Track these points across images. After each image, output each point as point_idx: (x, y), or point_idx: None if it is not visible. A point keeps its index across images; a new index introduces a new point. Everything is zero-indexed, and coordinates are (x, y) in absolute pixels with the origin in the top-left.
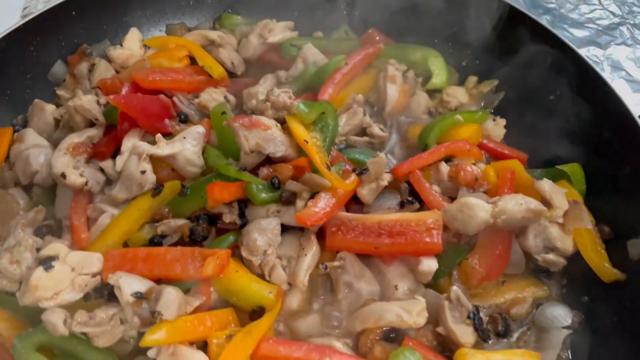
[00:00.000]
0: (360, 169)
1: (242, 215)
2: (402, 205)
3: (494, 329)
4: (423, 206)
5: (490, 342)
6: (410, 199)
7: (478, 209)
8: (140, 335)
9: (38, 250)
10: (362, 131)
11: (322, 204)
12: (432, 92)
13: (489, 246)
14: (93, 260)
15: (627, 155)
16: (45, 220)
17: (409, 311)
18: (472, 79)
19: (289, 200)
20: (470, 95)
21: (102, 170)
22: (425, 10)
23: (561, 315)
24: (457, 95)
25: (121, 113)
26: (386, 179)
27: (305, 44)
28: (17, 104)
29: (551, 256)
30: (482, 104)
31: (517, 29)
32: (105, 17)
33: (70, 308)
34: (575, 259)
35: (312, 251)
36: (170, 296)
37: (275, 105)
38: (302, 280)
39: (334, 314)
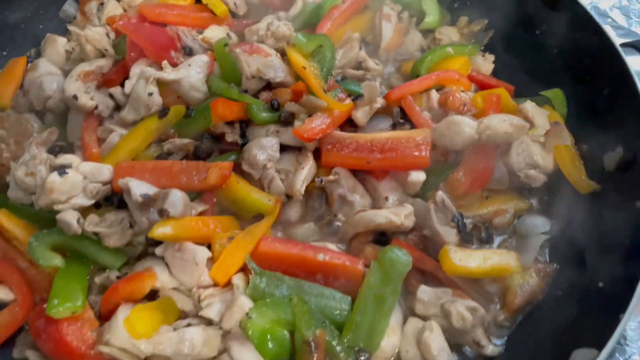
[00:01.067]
0: (355, 96)
1: (243, 135)
2: (394, 127)
3: (477, 235)
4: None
5: (473, 246)
6: (401, 120)
7: (464, 125)
8: (148, 239)
9: (52, 166)
10: (358, 66)
11: (319, 122)
12: (426, 32)
13: (473, 161)
14: (104, 170)
15: (607, 79)
16: (58, 142)
17: (398, 214)
18: (463, 19)
19: (287, 120)
20: (462, 34)
21: (111, 96)
22: None
23: (540, 224)
24: (449, 34)
25: (129, 42)
26: (379, 102)
27: None
28: (31, 38)
29: (533, 172)
30: (473, 42)
31: None
32: None
33: (83, 214)
34: (555, 176)
35: (309, 165)
36: (177, 196)
37: (275, 35)
38: (298, 189)
39: (327, 223)
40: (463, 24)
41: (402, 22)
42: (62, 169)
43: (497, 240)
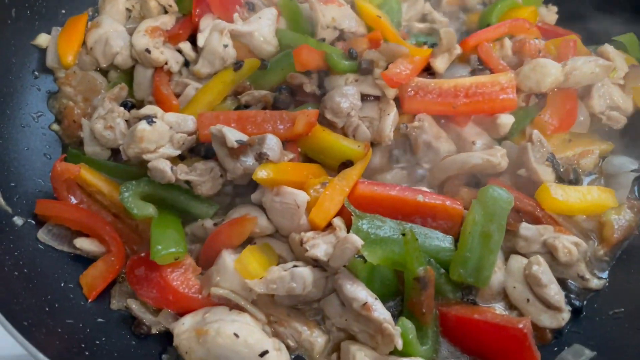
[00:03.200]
0: (430, 43)
1: (321, 85)
2: (473, 74)
3: (566, 177)
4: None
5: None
6: (481, 67)
7: (550, 66)
8: (236, 189)
9: (127, 121)
10: (423, 19)
11: (403, 67)
12: None
13: (558, 103)
14: (188, 121)
15: None
16: (127, 99)
17: (494, 154)
18: None
19: (367, 68)
20: None
21: (179, 51)
22: None
23: (628, 162)
24: None
25: None
26: (458, 48)
27: None
28: None
29: (614, 113)
30: None
31: None
32: None
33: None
34: (636, 117)
35: (394, 111)
36: (273, 140)
37: None
38: (388, 134)
39: (416, 169)
40: None
41: None
42: (149, 119)
43: (586, 180)
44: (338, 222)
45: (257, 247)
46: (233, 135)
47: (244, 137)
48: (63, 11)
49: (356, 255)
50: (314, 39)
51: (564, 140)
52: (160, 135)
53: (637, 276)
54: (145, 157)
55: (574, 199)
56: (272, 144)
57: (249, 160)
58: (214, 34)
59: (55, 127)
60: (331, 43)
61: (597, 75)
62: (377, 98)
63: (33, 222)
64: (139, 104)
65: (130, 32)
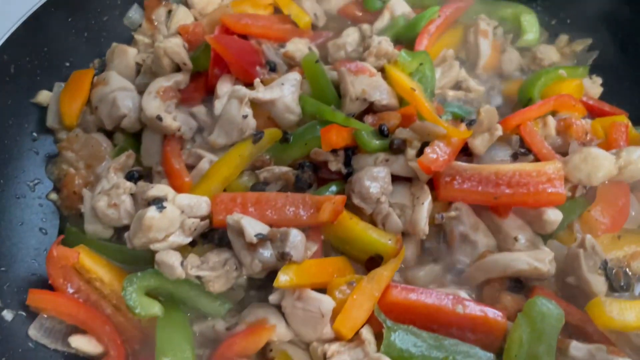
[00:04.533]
0: (468, 120)
1: (348, 163)
2: (515, 157)
3: (615, 282)
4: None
5: (616, 294)
6: (523, 150)
7: (603, 158)
8: (250, 282)
9: (134, 195)
10: (457, 86)
11: (440, 151)
12: (521, 50)
13: (610, 198)
14: (201, 204)
15: None
16: (133, 167)
17: (541, 259)
18: (564, 38)
19: (399, 148)
20: (562, 54)
21: (193, 116)
22: None
23: None
24: (549, 53)
25: (214, 57)
26: (499, 128)
27: None
28: (94, 47)
29: None
30: (575, 63)
31: None
32: None
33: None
34: None
35: (428, 199)
36: (298, 237)
37: (377, 52)
38: (422, 228)
39: (451, 265)
40: (563, 43)
41: (497, 38)
42: (159, 203)
43: (638, 287)
44: (367, 334)
45: None
46: (252, 228)
47: (265, 230)
48: (67, 64)
49: None
50: (340, 112)
51: (613, 237)
52: (170, 222)
53: None
54: (153, 247)
55: (631, 317)
56: (296, 241)
57: (267, 253)
58: (232, 101)
59: (54, 196)
60: (360, 115)
61: None
62: (408, 179)
63: (24, 314)
64: (147, 171)
65: (140, 90)
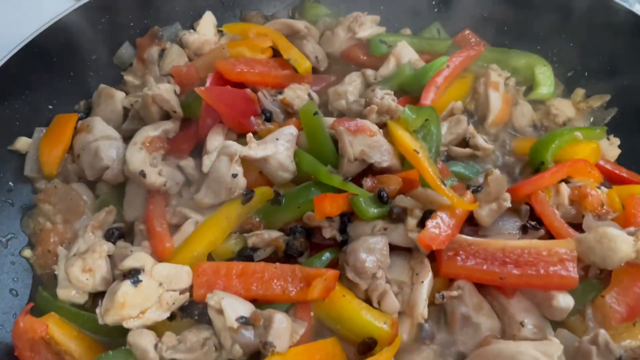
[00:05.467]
0: (474, 186)
1: (343, 230)
2: (524, 231)
3: None
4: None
5: None
6: (533, 223)
7: (620, 241)
8: None
9: (110, 256)
10: (464, 143)
11: (443, 226)
12: (534, 104)
13: (628, 283)
14: (182, 275)
15: None
16: (115, 222)
17: (549, 355)
18: (580, 92)
19: (399, 217)
20: (578, 109)
21: (180, 169)
22: (528, 9)
23: None
24: (564, 108)
25: (205, 106)
26: (508, 199)
27: (399, 41)
28: (80, 88)
29: None
30: (592, 120)
31: (634, 39)
32: None
33: (154, 329)
34: None
35: (428, 278)
36: (282, 325)
37: (380, 109)
38: (421, 312)
39: (450, 350)
40: (580, 97)
41: (509, 90)
42: (134, 276)
43: None
44: None
45: None
46: (234, 311)
47: (247, 311)
48: (50, 106)
49: None
50: (337, 174)
51: (628, 324)
52: (146, 296)
53: None
54: (126, 325)
55: None
56: (280, 329)
57: (249, 335)
58: (222, 158)
59: (28, 253)
60: (358, 176)
61: None
62: (407, 249)
63: None
64: (129, 227)
65: (127, 136)
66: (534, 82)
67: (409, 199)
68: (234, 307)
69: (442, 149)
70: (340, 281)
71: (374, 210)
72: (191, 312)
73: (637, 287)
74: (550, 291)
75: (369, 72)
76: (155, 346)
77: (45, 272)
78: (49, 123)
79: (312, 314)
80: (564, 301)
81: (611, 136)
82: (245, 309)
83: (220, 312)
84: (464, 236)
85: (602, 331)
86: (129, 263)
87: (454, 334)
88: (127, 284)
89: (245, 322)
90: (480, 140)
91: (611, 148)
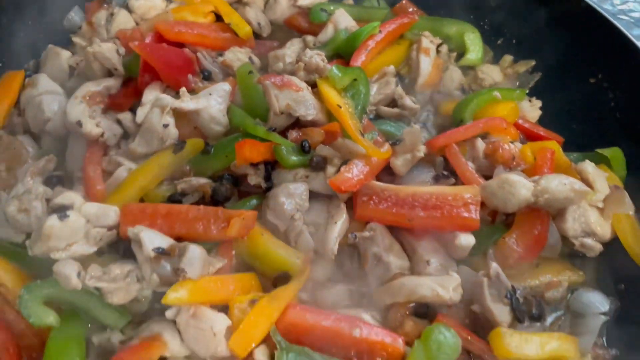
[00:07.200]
0: (393, 140)
1: (267, 178)
2: (436, 179)
3: (527, 311)
4: (458, 182)
5: (524, 324)
6: (445, 173)
7: (520, 186)
8: (156, 295)
9: (48, 200)
10: (393, 102)
11: (356, 171)
12: (465, 69)
13: (527, 226)
14: (109, 213)
15: None
16: (56, 171)
17: (445, 286)
18: (507, 58)
19: (319, 165)
20: (505, 74)
21: (119, 122)
22: None
23: (598, 302)
24: (492, 73)
25: (143, 63)
26: (422, 150)
27: (337, 9)
28: (29, 48)
29: (589, 241)
30: (517, 85)
31: (560, 9)
32: None
33: (82, 263)
34: (613, 245)
35: (342, 219)
36: (195, 253)
37: (307, 67)
38: (331, 248)
39: (360, 286)
40: (507, 63)
41: (441, 56)
42: (62, 211)
43: (550, 318)
44: (260, 354)
45: None
46: (151, 242)
47: (165, 243)
48: (0, 64)
49: None
50: (264, 124)
51: (531, 266)
52: (72, 231)
53: None
54: (53, 256)
55: (530, 351)
56: (193, 257)
57: (167, 267)
58: (154, 110)
59: None
60: (285, 129)
61: (571, 200)
62: (329, 197)
63: None
64: (70, 178)
65: (71, 92)
66: (464, 49)
67: (329, 149)
68: (151, 239)
69: (372, 108)
70: (263, 223)
71: (294, 159)
72: (118, 249)
73: (535, 230)
74: (454, 232)
75: (309, 38)
76: (78, 274)
77: None
78: None
79: (233, 252)
80: (465, 240)
81: (533, 98)
82: (164, 241)
83: (140, 244)
84: (378, 183)
85: (495, 264)
86: (58, 201)
87: (365, 272)
88: (53, 218)
89: (161, 252)
90: (408, 100)
91: (532, 109)
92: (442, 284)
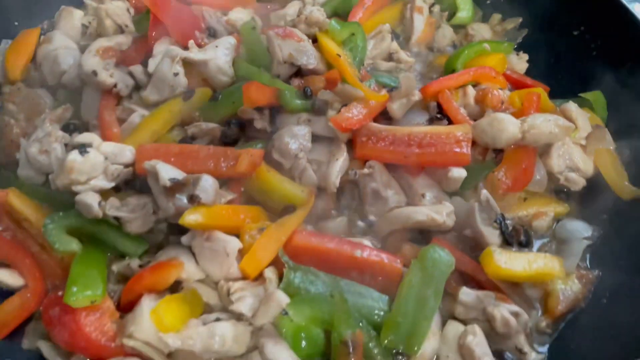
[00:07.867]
0: (391, 87)
1: (272, 122)
2: (430, 122)
3: (516, 238)
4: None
5: (512, 249)
6: (439, 115)
7: (508, 122)
8: (171, 227)
9: (66, 145)
10: (389, 57)
11: (356, 111)
12: (456, 28)
13: (515, 160)
14: (126, 152)
15: None
16: (71, 120)
17: (439, 212)
18: (496, 16)
19: (320, 109)
20: (494, 32)
21: (131, 74)
22: None
23: (582, 228)
24: (481, 30)
25: (153, 19)
26: (417, 94)
27: None
28: (44, 10)
29: (573, 175)
30: (505, 41)
31: None
32: None
33: (102, 198)
34: (595, 180)
35: (343, 157)
36: (208, 181)
37: (308, 20)
38: (333, 181)
39: (361, 218)
40: (496, 21)
41: (434, 15)
42: (82, 148)
43: (537, 244)
44: (269, 273)
45: (179, 297)
46: (167, 173)
47: (180, 175)
48: (16, 23)
49: (283, 312)
50: (269, 73)
51: (519, 198)
52: (92, 166)
53: (577, 353)
54: (75, 188)
55: (518, 267)
56: (206, 185)
57: (183, 199)
58: (165, 60)
59: None
60: (288, 78)
61: (555, 136)
62: (330, 139)
63: None
64: (85, 127)
65: (84, 50)
66: (456, 8)
67: (330, 93)
68: (167, 170)
69: (369, 62)
70: (268, 162)
71: (297, 102)
72: (134, 186)
73: (522, 164)
74: (447, 167)
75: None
76: (99, 204)
77: (9, 161)
78: (14, 38)
79: (242, 189)
80: (458, 172)
81: (521, 52)
82: (178, 173)
83: (156, 177)
84: (376, 124)
85: (485, 191)
86: (78, 139)
87: (365, 205)
88: (75, 153)
89: (177, 182)
90: (403, 54)
91: (520, 62)
92: (436, 210)
